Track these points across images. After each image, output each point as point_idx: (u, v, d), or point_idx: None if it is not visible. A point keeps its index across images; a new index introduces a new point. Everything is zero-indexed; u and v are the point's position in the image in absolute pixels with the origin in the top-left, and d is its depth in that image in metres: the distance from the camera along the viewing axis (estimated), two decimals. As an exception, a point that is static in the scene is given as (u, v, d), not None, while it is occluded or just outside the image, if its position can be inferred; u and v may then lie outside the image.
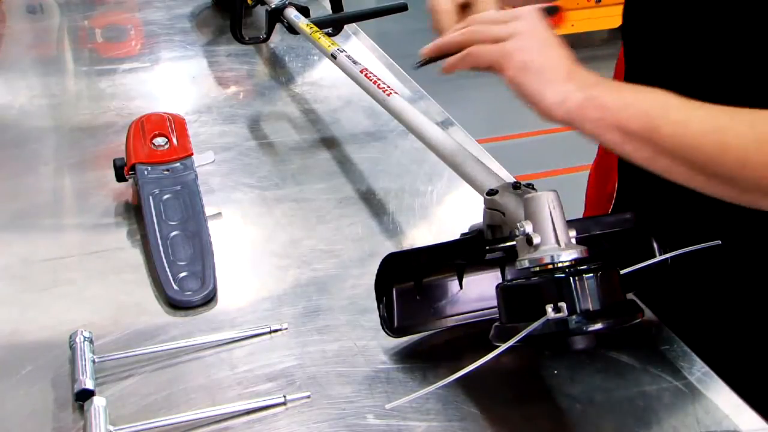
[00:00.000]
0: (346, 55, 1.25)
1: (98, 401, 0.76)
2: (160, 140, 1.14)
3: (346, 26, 1.64)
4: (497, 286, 0.77)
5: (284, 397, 0.80)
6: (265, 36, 1.52)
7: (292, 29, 1.50)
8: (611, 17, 4.42)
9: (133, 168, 1.10)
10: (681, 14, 0.89)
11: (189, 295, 0.93)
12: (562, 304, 0.70)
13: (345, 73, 1.24)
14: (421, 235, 1.08)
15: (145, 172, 1.09)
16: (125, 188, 1.15)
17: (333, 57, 1.27)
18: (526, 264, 0.75)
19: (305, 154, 1.28)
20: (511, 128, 3.71)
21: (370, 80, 1.15)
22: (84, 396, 0.78)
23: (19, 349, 0.88)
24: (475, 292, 0.87)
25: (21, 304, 0.95)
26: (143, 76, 1.59)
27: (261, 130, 1.36)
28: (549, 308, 0.70)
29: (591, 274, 0.72)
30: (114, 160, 1.12)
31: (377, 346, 0.87)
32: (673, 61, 0.92)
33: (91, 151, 1.29)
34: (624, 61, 1.05)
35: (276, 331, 0.88)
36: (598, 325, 0.71)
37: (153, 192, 1.07)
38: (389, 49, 1.65)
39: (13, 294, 0.97)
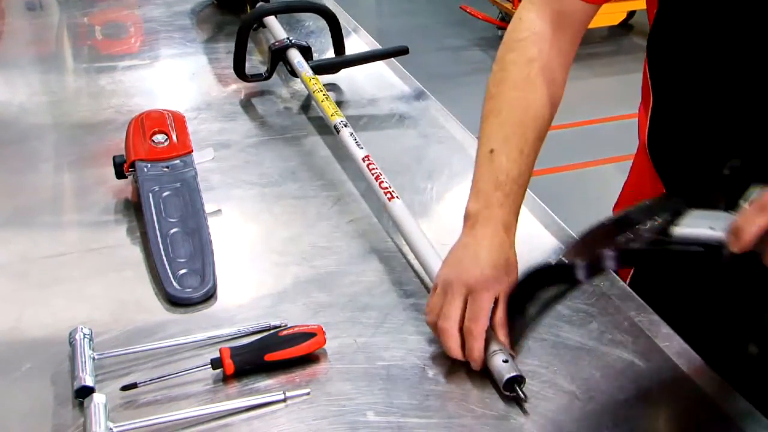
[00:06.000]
0: (349, 132, 1.19)
1: (98, 398, 0.76)
2: (159, 137, 1.14)
3: (345, 23, 1.63)
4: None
5: (284, 393, 0.80)
6: (267, 74, 1.49)
7: (293, 72, 1.46)
8: (611, 14, 4.42)
9: (132, 165, 1.10)
10: (709, 41, 0.89)
11: (189, 292, 0.93)
12: None
13: (346, 150, 1.18)
14: (421, 232, 1.08)
15: (145, 169, 1.09)
16: (125, 185, 1.14)
17: (336, 130, 1.21)
18: None
19: (305, 151, 1.28)
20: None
21: (373, 175, 1.09)
22: (84, 393, 0.78)
23: (18, 346, 0.88)
24: None
25: (21, 301, 0.95)
26: (143, 73, 1.58)
27: (260, 128, 1.36)
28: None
29: None
30: (114, 157, 1.12)
31: (377, 343, 0.87)
32: (700, 82, 0.91)
33: (90, 148, 1.29)
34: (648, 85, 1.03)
35: (275, 327, 0.88)
36: None
37: (153, 189, 1.07)
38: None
39: (12, 291, 0.97)
